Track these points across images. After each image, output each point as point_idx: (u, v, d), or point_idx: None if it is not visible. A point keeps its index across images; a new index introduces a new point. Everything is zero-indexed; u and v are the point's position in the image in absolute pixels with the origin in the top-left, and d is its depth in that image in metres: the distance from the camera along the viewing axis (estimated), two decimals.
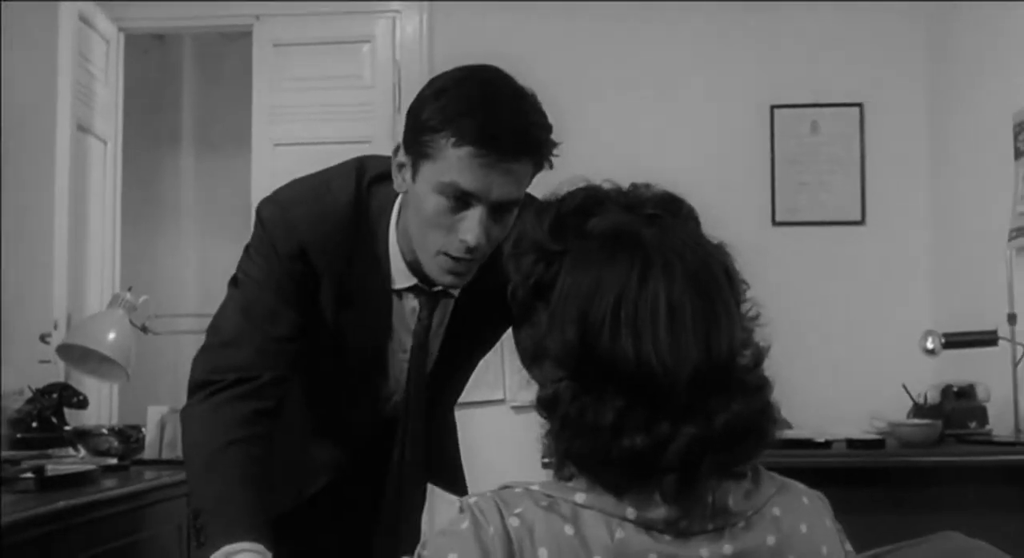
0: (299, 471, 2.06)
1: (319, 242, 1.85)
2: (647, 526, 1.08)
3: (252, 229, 1.93)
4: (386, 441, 2.04)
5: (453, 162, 1.66)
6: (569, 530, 1.08)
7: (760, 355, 1.14)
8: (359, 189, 1.88)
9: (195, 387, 1.86)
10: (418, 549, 1.12)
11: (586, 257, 1.13)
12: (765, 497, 1.15)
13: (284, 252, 1.85)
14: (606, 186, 1.21)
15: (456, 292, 1.93)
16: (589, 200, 1.19)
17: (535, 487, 1.13)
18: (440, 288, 1.90)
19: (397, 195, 1.86)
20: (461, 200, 1.68)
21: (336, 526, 2.15)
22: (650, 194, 1.20)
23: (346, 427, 2.09)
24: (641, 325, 1.07)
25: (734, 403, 1.08)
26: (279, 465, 1.85)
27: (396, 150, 1.78)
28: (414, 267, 1.87)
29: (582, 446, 1.09)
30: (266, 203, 1.91)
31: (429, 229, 1.74)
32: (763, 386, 1.13)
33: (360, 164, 1.92)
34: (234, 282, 1.92)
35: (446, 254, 1.74)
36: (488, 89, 1.71)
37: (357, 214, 1.88)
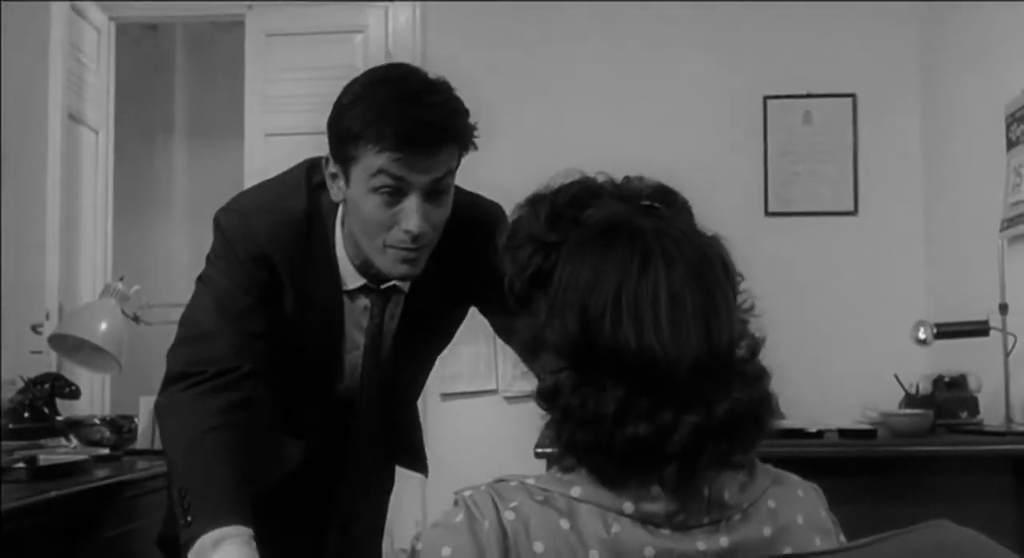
0: (265, 459, 2.08)
1: (279, 250, 1.91)
2: (643, 520, 1.08)
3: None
4: (345, 432, 2.11)
5: (378, 160, 1.74)
6: (565, 524, 1.07)
7: (756, 346, 1.14)
8: (311, 195, 1.94)
9: (172, 379, 1.89)
10: (411, 541, 1.11)
11: (584, 247, 1.12)
12: (760, 489, 1.14)
13: (247, 259, 1.90)
14: (600, 178, 1.21)
15: (406, 288, 1.99)
16: (584, 191, 1.18)
17: (530, 481, 1.13)
18: (389, 285, 1.97)
19: None
20: (394, 194, 1.76)
21: (300, 514, 2.18)
22: (644, 185, 1.20)
23: (304, 418, 2.14)
24: (642, 314, 1.07)
25: (734, 392, 1.08)
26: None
27: (326, 161, 1.85)
28: (362, 268, 1.94)
29: (584, 436, 1.09)
30: (224, 213, 1.96)
31: (371, 228, 1.80)
32: (761, 376, 1.13)
33: (309, 168, 1.97)
34: (203, 280, 1.97)
35: (393, 247, 1.81)
36: (398, 89, 1.78)
37: (310, 220, 1.94)
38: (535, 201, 1.20)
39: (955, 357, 3.98)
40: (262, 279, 1.91)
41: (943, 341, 3.80)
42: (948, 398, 3.79)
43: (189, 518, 1.70)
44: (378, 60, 4.92)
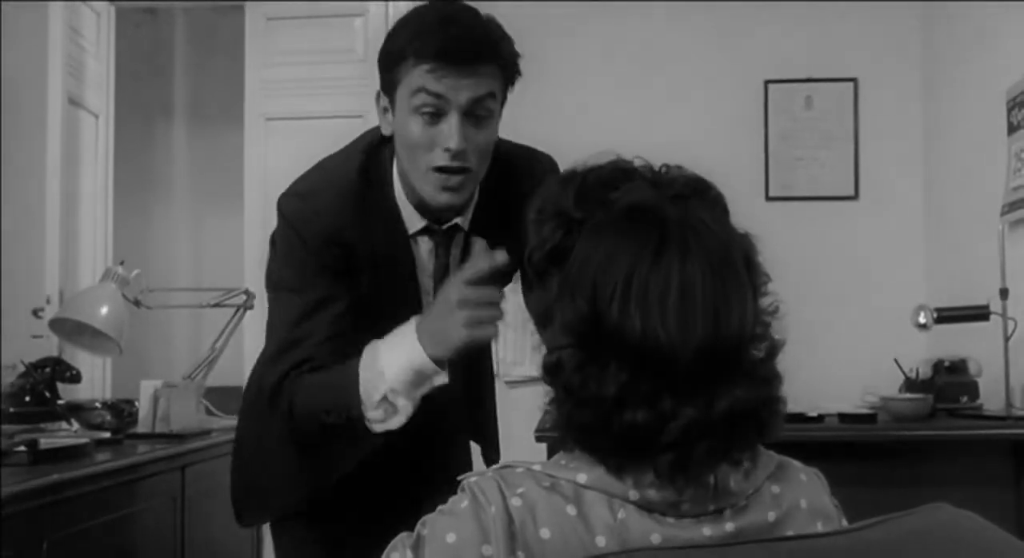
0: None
1: (345, 221, 1.92)
2: (649, 508, 1.08)
3: (276, 222, 1.98)
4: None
5: (419, 78, 1.78)
6: (571, 510, 1.07)
7: (775, 349, 1.13)
8: (366, 155, 1.96)
9: (273, 393, 1.92)
10: (418, 527, 1.11)
11: (605, 228, 1.12)
12: (764, 475, 1.15)
13: (315, 243, 1.90)
14: (637, 162, 1.20)
15: (466, 225, 1.99)
16: (617, 172, 1.18)
17: (536, 467, 1.13)
18: (451, 224, 1.97)
19: None
20: (435, 114, 1.79)
21: (385, 479, 2.14)
22: (679, 175, 1.19)
23: None
24: (650, 301, 1.06)
25: (738, 389, 1.07)
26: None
27: (377, 97, 1.90)
28: (421, 208, 1.94)
29: (583, 416, 1.09)
30: (285, 198, 1.96)
31: (415, 151, 1.83)
32: (772, 379, 1.12)
33: (370, 132, 2.00)
34: (276, 285, 1.98)
35: (436, 169, 1.83)
36: (441, 11, 1.84)
37: (366, 176, 1.95)
38: (567, 177, 1.20)
39: (955, 342, 3.99)
40: (333, 258, 1.91)
41: (943, 326, 3.80)
42: (948, 382, 3.80)
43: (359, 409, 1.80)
44: (379, 43, 4.89)
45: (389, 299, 1.99)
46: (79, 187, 4.89)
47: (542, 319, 1.17)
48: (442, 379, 1.78)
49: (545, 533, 1.06)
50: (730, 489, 1.11)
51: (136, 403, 3.37)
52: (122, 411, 3.30)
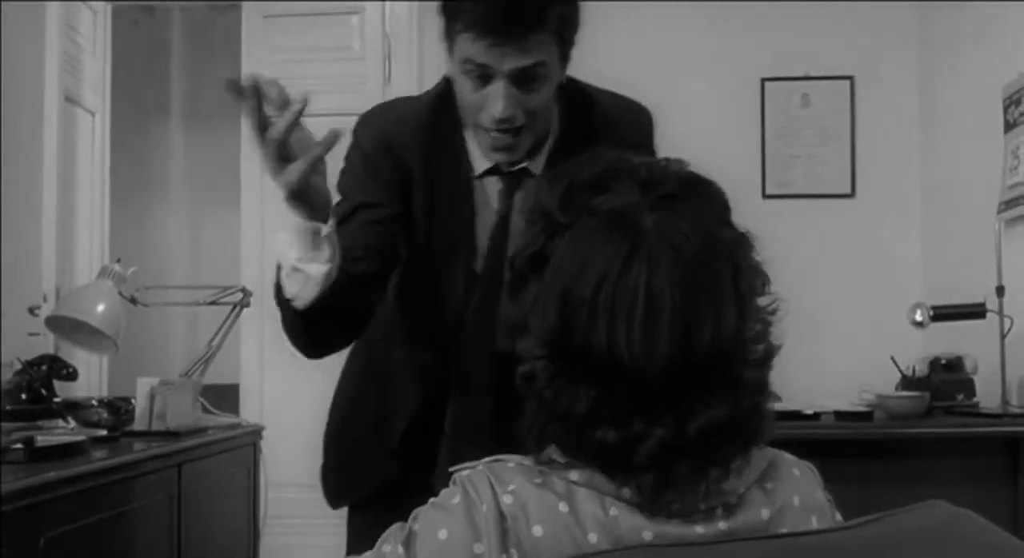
0: (406, 379, 2.03)
1: (401, 137, 1.93)
2: (640, 507, 1.07)
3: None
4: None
5: (465, 45, 1.75)
6: (563, 507, 1.07)
7: (771, 352, 1.12)
8: (439, 93, 1.96)
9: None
10: (409, 521, 1.11)
11: (582, 235, 1.09)
12: (757, 472, 1.14)
13: (374, 150, 1.93)
14: (635, 159, 1.17)
15: (537, 170, 1.94)
16: (606, 172, 1.14)
17: (528, 462, 1.12)
18: (520, 167, 1.93)
19: None
20: (482, 77, 1.77)
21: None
22: (673, 172, 1.15)
23: (448, 296, 2.02)
24: (618, 313, 1.03)
25: (713, 408, 1.05)
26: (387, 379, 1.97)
27: (442, 37, 1.87)
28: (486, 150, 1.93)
29: (556, 430, 1.08)
30: (359, 120, 2.02)
31: (468, 108, 1.84)
32: (762, 387, 1.10)
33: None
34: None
35: (485, 130, 1.83)
36: None
37: (441, 109, 1.94)
38: (557, 176, 1.18)
39: (952, 339, 3.99)
40: (388, 165, 1.92)
41: (940, 323, 3.81)
42: (944, 380, 3.80)
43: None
44: (376, 41, 4.92)
45: (443, 236, 1.97)
46: (75, 185, 4.89)
47: (519, 328, 1.13)
48: (327, 229, 1.66)
49: (537, 530, 1.06)
50: (721, 488, 1.10)
51: (132, 401, 3.37)
52: (119, 409, 3.30)
